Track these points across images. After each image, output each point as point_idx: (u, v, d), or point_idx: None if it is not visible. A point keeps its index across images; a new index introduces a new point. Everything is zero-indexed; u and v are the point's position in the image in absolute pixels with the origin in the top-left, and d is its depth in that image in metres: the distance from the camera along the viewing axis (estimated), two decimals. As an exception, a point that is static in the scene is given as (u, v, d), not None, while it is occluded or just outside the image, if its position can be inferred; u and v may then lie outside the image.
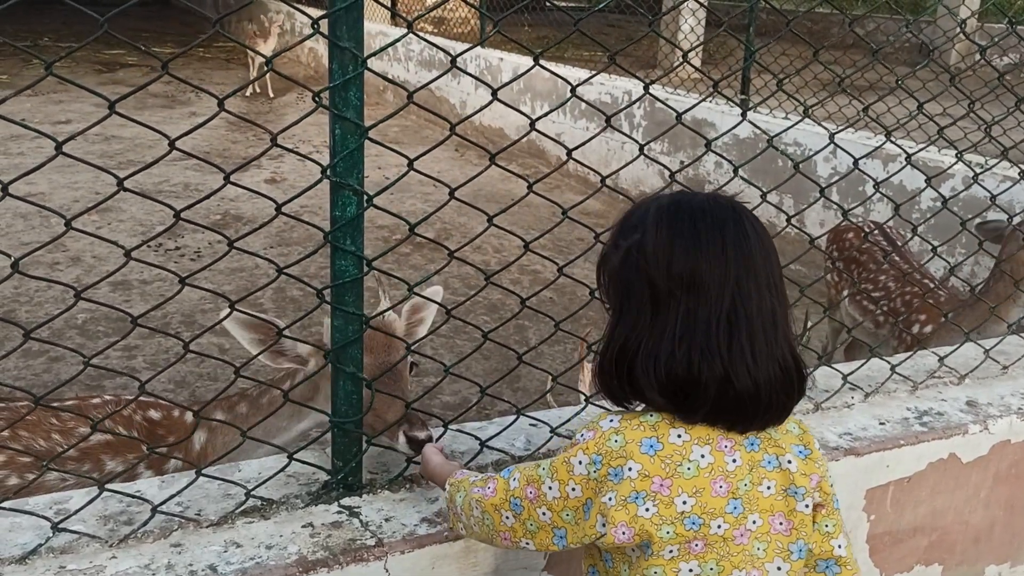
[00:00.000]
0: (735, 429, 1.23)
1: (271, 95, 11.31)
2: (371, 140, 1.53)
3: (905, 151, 2.29)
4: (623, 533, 1.19)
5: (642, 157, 7.36)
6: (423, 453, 1.67)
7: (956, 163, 2.45)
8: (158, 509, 1.53)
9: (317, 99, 1.44)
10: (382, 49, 1.50)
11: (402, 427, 1.71)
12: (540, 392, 3.46)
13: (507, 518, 1.31)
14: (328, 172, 1.50)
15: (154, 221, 6.45)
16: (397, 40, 1.57)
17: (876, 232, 3.91)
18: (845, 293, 3.84)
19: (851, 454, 1.97)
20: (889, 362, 2.27)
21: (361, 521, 1.62)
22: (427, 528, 1.62)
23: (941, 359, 2.33)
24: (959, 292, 3.40)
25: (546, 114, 1.70)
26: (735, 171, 1.93)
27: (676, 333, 1.18)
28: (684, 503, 1.19)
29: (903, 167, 2.49)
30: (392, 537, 1.59)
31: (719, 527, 1.20)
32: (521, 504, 1.29)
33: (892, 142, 2.32)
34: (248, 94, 11.21)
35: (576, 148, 1.86)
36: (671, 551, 1.20)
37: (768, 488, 1.23)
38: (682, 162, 6.89)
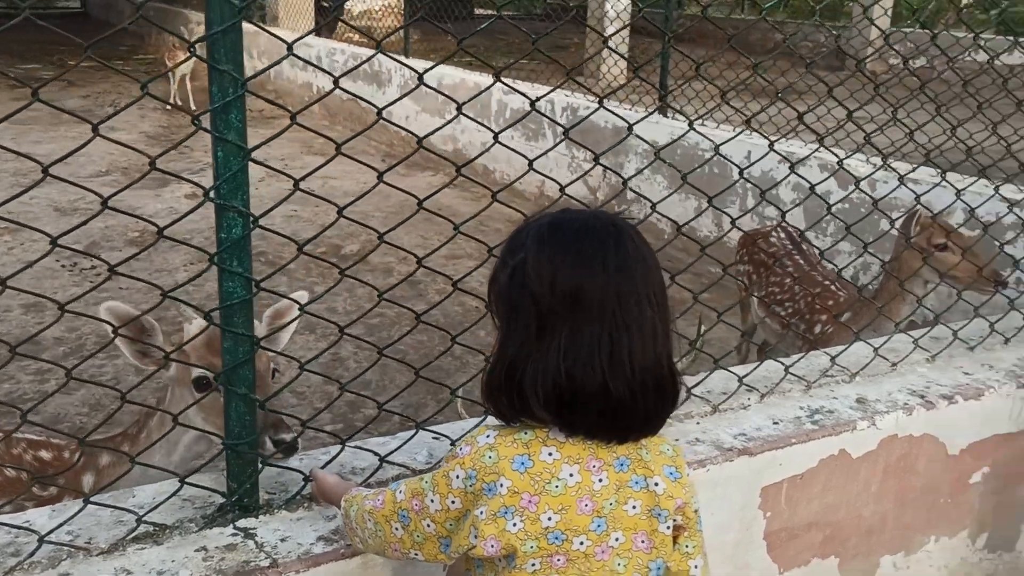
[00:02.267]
0: (614, 439, 1.27)
1: (193, 107, 11.14)
2: (254, 161, 1.54)
3: (837, 156, 2.37)
4: (491, 546, 1.23)
5: (568, 166, 7.45)
6: (314, 475, 1.69)
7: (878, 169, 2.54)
8: (45, 539, 1.52)
9: (196, 122, 1.45)
10: (262, 71, 1.51)
11: (267, 432, 1.72)
12: (465, 405, 3.48)
13: (396, 529, 1.35)
14: (211, 194, 1.51)
15: (69, 240, 6.31)
16: (274, 64, 1.58)
17: (783, 236, 4.03)
18: (755, 295, 3.95)
19: (745, 454, 2.04)
20: (783, 363, 2.34)
21: (256, 543, 1.62)
22: (324, 546, 1.63)
23: (833, 358, 2.41)
24: (859, 292, 3.52)
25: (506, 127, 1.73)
26: (683, 178, 1.98)
27: (561, 348, 1.22)
28: (549, 519, 1.24)
29: (831, 174, 2.58)
30: (287, 557, 1.59)
31: (581, 544, 1.25)
32: (408, 516, 1.33)
33: (820, 148, 2.40)
34: (169, 107, 11.02)
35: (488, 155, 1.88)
36: (533, 564, 1.25)
37: (633, 508, 1.28)
38: (605, 169, 6.98)
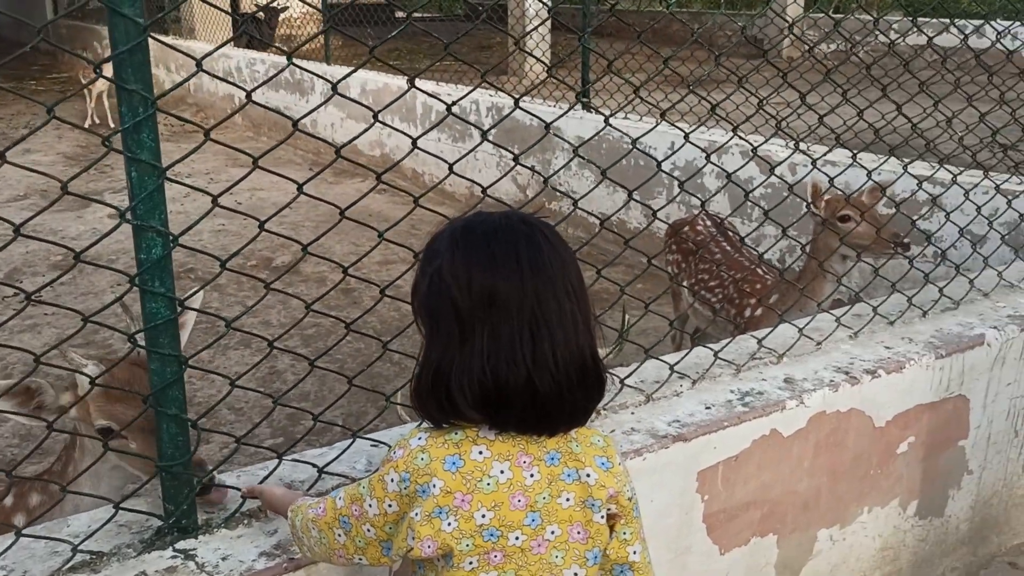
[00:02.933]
0: (543, 433, 1.29)
1: (112, 125, 10.88)
2: (170, 180, 1.52)
3: (753, 143, 2.43)
4: (428, 547, 1.25)
5: (496, 165, 7.47)
6: (260, 490, 1.68)
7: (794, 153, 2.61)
8: (-24, 577, 1.48)
9: (107, 143, 1.43)
10: (171, 90, 1.50)
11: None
12: (406, 412, 3.47)
13: (339, 536, 1.37)
14: (128, 215, 1.49)
15: (-11, 268, 6.12)
16: (183, 82, 1.56)
17: (709, 222, 4.11)
18: (685, 284, 4.02)
19: (680, 440, 2.08)
20: (712, 349, 2.40)
21: (197, 563, 1.61)
22: (266, 562, 1.62)
23: (760, 341, 2.48)
24: (782, 275, 3.60)
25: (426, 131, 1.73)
26: (602, 173, 2.01)
27: (484, 349, 1.24)
28: (483, 516, 1.26)
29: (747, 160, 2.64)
30: (230, 575, 1.58)
31: (516, 539, 1.28)
32: (349, 521, 1.35)
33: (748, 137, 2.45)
34: (87, 125, 10.74)
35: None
36: (471, 563, 1.28)
37: (567, 500, 1.29)
38: (533, 167, 7.02)
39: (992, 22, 3.48)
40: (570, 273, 1.30)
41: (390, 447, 1.43)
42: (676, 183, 6.03)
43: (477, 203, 2.05)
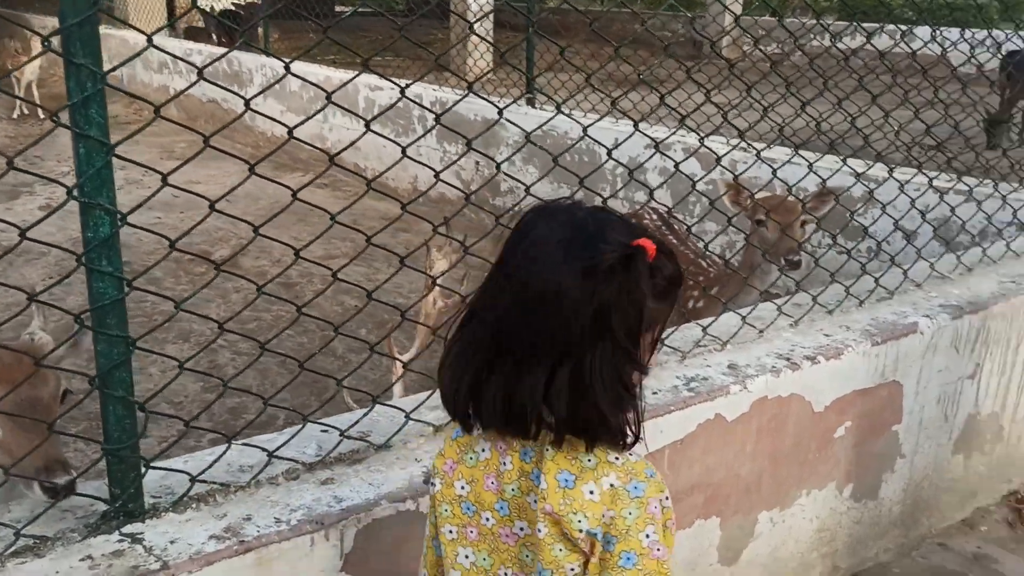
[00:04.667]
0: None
1: (41, 116, 10.58)
2: (119, 157, 1.50)
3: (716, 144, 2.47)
4: (428, 503, 1.38)
5: (440, 160, 7.46)
6: None
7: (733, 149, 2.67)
8: (-87, 563, 1.44)
9: (55, 118, 1.40)
10: (120, 64, 1.48)
11: (39, 473, 1.57)
12: (353, 397, 3.45)
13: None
14: (75, 192, 1.46)
15: (-87, 259, 5.90)
16: (132, 58, 1.54)
17: (655, 217, 4.17)
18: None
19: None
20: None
21: (145, 547, 1.58)
22: (216, 544, 1.60)
23: (704, 329, 2.52)
24: (726, 265, 3.68)
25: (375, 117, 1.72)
26: (554, 160, 2.02)
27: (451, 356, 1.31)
28: (462, 488, 1.31)
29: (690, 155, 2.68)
30: (178, 559, 1.56)
31: (487, 520, 1.29)
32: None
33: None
34: (15, 116, 10.43)
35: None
36: (451, 531, 1.32)
37: (534, 502, 1.24)
38: (477, 162, 7.04)
39: (922, 27, 3.60)
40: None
41: (343, 433, 1.42)
42: (620, 179, 6.10)
43: (428, 190, 2.06)
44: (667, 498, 1.26)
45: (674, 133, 2.72)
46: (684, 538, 2.31)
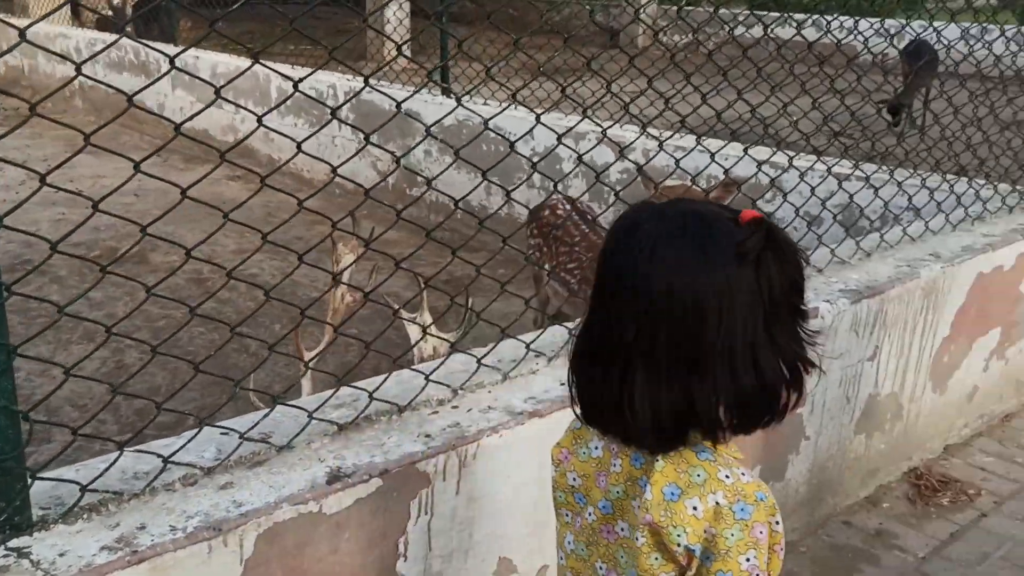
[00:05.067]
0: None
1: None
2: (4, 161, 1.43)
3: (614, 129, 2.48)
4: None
5: (355, 148, 7.36)
6: None
7: (639, 137, 2.70)
8: None
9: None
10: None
11: None
12: (259, 399, 3.39)
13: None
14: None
15: None
16: (5, 53, 1.47)
17: (569, 206, 4.19)
18: (547, 267, 4.09)
19: (536, 416, 2.12)
20: (567, 327, 2.45)
21: (32, 561, 1.52)
22: (107, 556, 1.55)
23: (612, 319, 2.54)
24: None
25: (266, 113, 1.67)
26: (455, 154, 2.00)
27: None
28: (574, 480, 1.34)
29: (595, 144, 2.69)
30: (67, 572, 1.50)
31: (590, 515, 1.32)
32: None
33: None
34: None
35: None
36: (566, 516, 1.38)
37: (637, 507, 1.23)
38: (393, 154, 6.97)
39: (826, 16, 3.69)
40: (655, 295, 1.17)
41: (243, 436, 1.39)
42: (538, 170, 6.11)
43: (328, 181, 2.03)
44: (778, 522, 1.21)
45: (579, 122, 2.73)
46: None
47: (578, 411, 1.31)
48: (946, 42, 3.74)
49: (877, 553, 2.91)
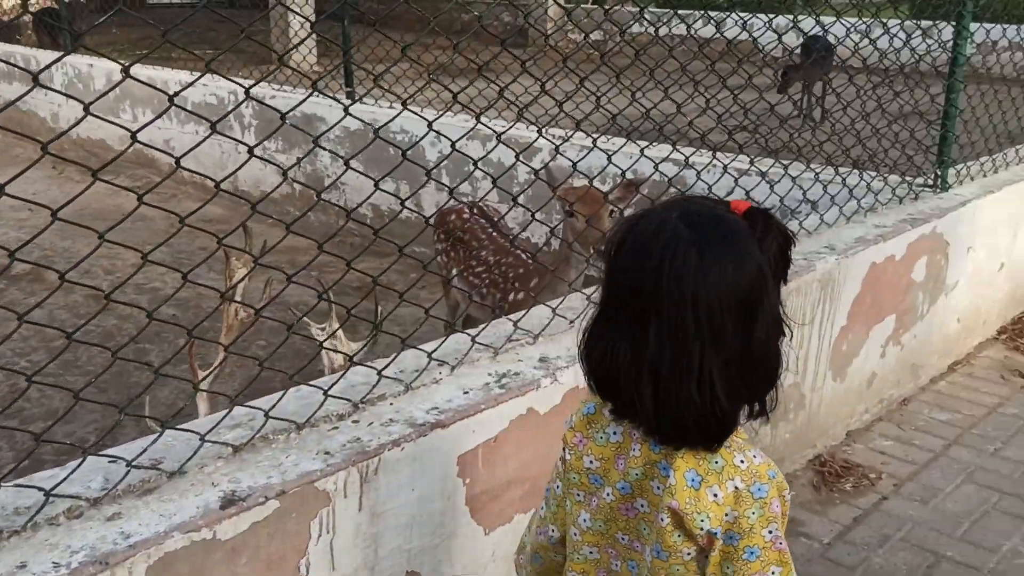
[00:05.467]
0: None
1: None
2: None
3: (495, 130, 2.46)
4: (557, 464, 1.50)
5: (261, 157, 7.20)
6: None
7: (538, 138, 2.68)
8: None
9: None
10: None
11: None
12: (160, 416, 3.28)
13: (541, 510, 1.60)
14: None
15: None
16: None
17: (475, 210, 4.18)
18: (454, 271, 4.07)
19: (439, 427, 2.09)
20: (469, 334, 2.43)
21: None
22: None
23: (515, 323, 2.54)
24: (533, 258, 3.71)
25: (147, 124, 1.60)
26: (346, 163, 1.95)
27: (597, 349, 1.35)
28: (591, 463, 1.41)
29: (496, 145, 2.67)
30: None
31: (608, 495, 1.39)
32: (545, 499, 1.59)
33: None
34: None
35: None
36: (579, 495, 1.44)
37: (657, 488, 1.32)
38: (298, 158, 6.84)
39: (730, 15, 3.75)
40: (704, 299, 1.21)
41: (130, 463, 1.32)
42: (444, 171, 6.08)
43: (217, 182, 1.97)
44: (788, 493, 1.34)
45: (473, 128, 2.72)
46: (504, 533, 2.32)
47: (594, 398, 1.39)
48: (836, 38, 3.84)
49: (784, 541, 2.97)
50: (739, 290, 1.22)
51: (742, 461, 1.29)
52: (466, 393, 2.23)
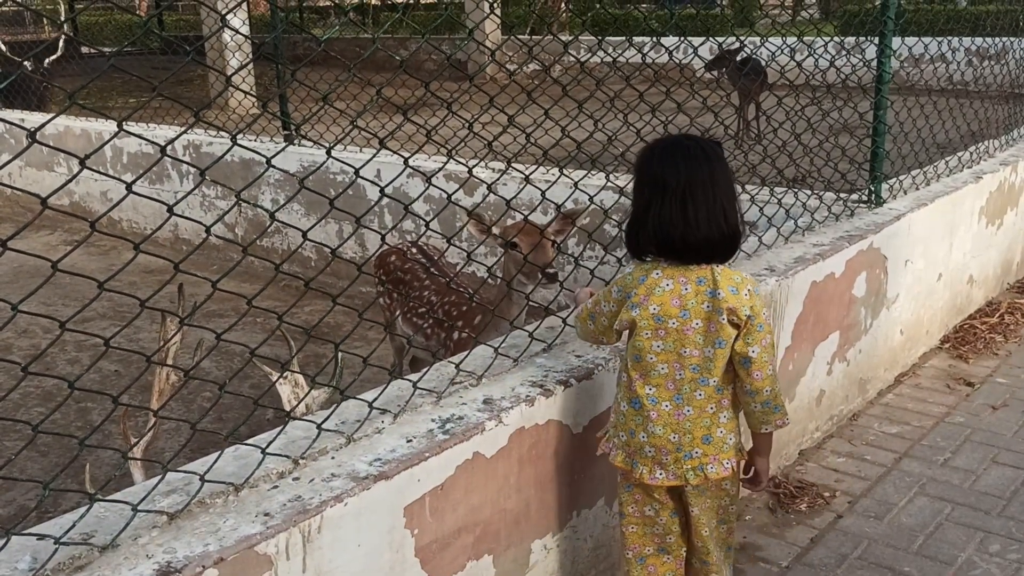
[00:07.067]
0: (692, 263, 2.16)
1: None
2: None
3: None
4: (625, 321, 2.22)
5: (200, 204, 7.10)
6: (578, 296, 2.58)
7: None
8: None
9: None
10: None
11: None
12: (111, 476, 3.17)
13: (590, 324, 2.35)
14: None
15: None
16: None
17: (415, 250, 4.15)
18: (397, 313, 4.02)
19: (382, 479, 2.05)
20: (411, 380, 2.39)
21: None
22: None
23: (457, 366, 2.51)
24: (471, 298, 3.68)
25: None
26: (290, 201, 1.90)
27: (656, 215, 2.13)
28: (655, 308, 2.16)
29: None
30: None
31: (672, 323, 2.16)
32: (593, 315, 2.32)
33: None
34: None
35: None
36: (647, 334, 2.18)
37: (706, 306, 2.15)
38: (239, 206, 6.76)
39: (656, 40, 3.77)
40: (717, 175, 2.14)
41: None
42: (386, 210, 6.04)
43: (201, 243, 1.92)
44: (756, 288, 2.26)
45: (407, 164, 2.70)
46: (457, 582, 2.27)
47: (664, 264, 2.19)
48: (766, 57, 3.89)
49: (742, 567, 2.95)
50: (726, 169, 2.17)
51: (742, 278, 2.20)
52: (409, 441, 2.19)
